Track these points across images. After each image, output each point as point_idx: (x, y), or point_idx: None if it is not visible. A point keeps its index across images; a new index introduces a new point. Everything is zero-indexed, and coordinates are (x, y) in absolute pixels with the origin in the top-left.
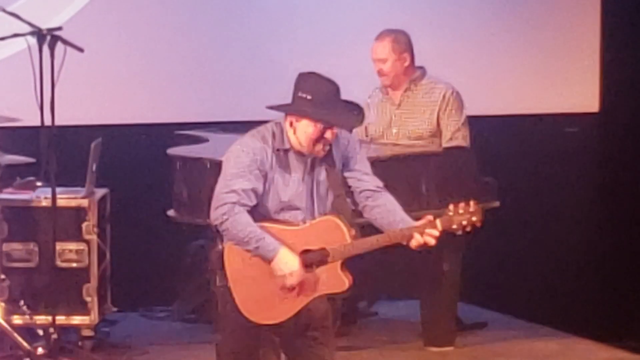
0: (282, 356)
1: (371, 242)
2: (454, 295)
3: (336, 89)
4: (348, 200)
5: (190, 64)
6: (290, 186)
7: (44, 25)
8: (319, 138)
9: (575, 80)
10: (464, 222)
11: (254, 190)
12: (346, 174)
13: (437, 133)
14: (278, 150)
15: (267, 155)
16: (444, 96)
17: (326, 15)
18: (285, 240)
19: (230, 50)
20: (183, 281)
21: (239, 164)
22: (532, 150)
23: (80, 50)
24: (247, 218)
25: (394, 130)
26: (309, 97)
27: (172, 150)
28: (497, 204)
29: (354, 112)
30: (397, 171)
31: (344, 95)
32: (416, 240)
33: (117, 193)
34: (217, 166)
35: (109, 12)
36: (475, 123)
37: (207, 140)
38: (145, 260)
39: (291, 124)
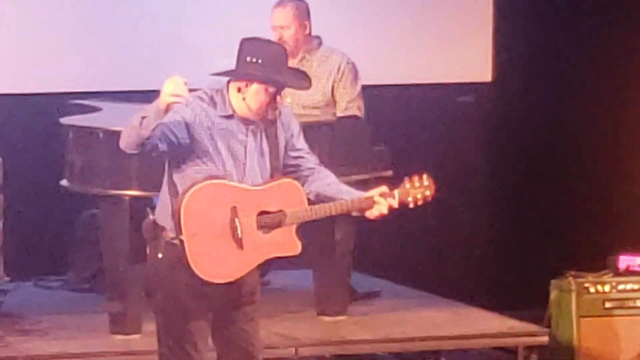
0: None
1: (329, 208)
2: (346, 264)
3: (285, 52)
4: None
5: (82, 33)
6: (233, 154)
7: None
8: (270, 102)
9: (467, 49)
10: (419, 196)
11: (172, 131)
12: (292, 153)
13: (332, 103)
14: (221, 116)
15: (208, 119)
16: (339, 67)
17: None
18: (243, 200)
19: (123, 19)
20: (76, 251)
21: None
22: (425, 119)
23: None
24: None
25: (288, 100)
26: (259, 61)
27: (65, 120)
28: (389, 173)
29: (302, 75)
30: None
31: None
32: (377, 210)
33: (10, 162)
34: (109, 135)
35: None
36: (368, 92)
37: (100, 110)
38: (39, 230)
39: (239, 90)
